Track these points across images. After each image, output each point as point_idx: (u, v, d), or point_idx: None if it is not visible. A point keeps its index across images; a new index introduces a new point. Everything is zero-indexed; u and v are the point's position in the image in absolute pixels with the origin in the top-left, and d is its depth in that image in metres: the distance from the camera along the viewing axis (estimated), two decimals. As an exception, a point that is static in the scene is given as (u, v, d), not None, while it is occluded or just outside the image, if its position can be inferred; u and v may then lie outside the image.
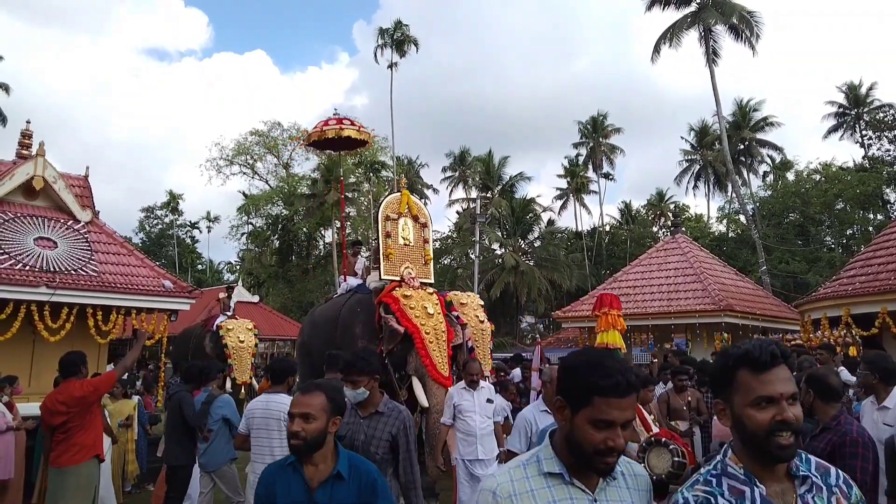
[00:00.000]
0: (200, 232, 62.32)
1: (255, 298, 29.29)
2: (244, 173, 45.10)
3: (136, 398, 9.30)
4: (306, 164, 44.99)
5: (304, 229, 41.05)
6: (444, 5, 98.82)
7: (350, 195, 40.32)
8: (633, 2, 64.03)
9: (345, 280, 11.37)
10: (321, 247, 43.71)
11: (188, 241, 61.41)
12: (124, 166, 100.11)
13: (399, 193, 10.16)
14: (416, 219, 10.17)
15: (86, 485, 5.66)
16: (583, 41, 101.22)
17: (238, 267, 51.53)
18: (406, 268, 9.72)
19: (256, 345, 15.36)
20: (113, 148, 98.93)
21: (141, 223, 59.32)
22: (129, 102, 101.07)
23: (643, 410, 5.91)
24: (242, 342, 14.61)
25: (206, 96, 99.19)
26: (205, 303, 26.66)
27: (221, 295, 18.43)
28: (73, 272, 10.39)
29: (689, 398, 8.19)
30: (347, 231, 44.12)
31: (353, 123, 12.29)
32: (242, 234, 46.46)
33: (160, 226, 59.67)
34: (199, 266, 61.63)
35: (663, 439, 4.31)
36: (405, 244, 9.89)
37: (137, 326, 11.24)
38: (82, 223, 11.35)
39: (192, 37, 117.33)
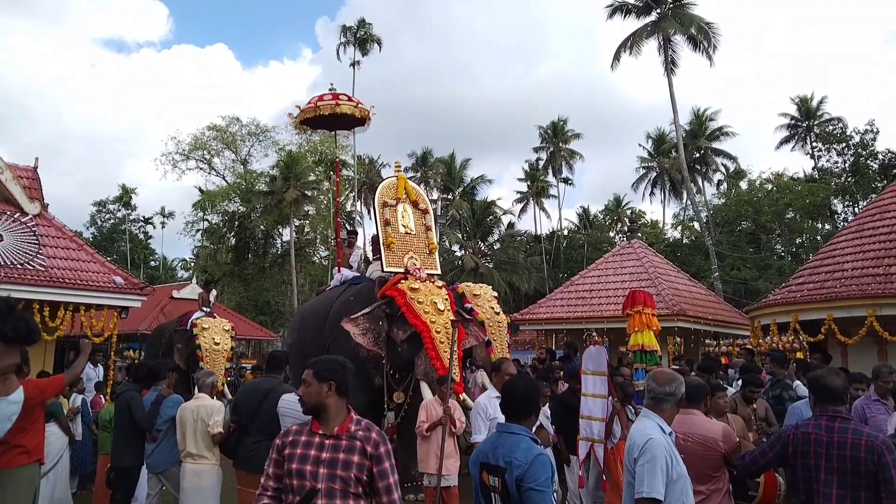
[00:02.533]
0: (154, 227, 61.05)
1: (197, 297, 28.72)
2: (200, 169, 44.35)
3: (80, 397, 9.01)
4: (265, 161, 44.45)
5: (262, 227, 40.48)
6: (411, 5, 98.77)
7: (309, 193, 39.92)
8: (598, 9, 64.90)
9: (338, 272, 10.55)
10: (278, 245, 43.20)
11: (141, 236, 60.08)
12: (81, 159, 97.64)
13: (394, 178, 9.41)
14: (415, 204, 9.42)
15: (26, 488, 5.46)
16: (548, 47, 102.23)
17: (192, 264, 50.60)
18: (410, 258, 8.95)
19: (233, 348, 13.90)
20: (70, 140, 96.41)
21: (92, 217, 57.82)
22: (86, 94, 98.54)
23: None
24: (217, 344, 13.17)
25: (165, 89, 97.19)
26: (157, 300, 26.12)
27: (199, 290, 16.61)
28: (19, 266, 10.10)
29: (757, 407, 7.25)
30: (306, 230, 43.75)
31: (350, 99, 11.07)
32: (198, 230, 45.62)
33: (112, 220, 58.25)
34: (153, 263, 60.34)
35: None
36: (406, 232, 9.11)
37: (86, 323, 10.97)
38: (30, 216, 11.05)
39: (151, 29, 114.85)
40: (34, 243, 10.66)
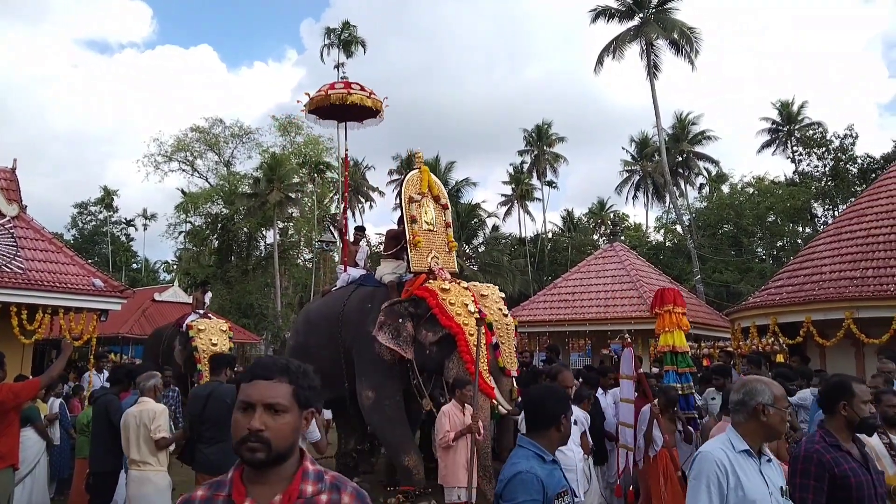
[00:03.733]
0: (136, 230, 60.63)
1: (191, 299, 28.55)
2: (183, 170, 44.12)
3: (58, 401, 8.90)
4: (248, 163, 44.31)
5: (245, 229, 40.29)
6: (397, 8, 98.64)
7: (293, 196, 39.77)
8: (582, 14, 65.22)
9: (345, 270, 10.09)
10: (262, 247, 42.99)
11: (123, 239, 59.59)
12: (63, 160, 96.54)
13: (418, 171, 8.91)
14: (436, 199, 8.98)
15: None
16: (533, 50, 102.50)
17: (175, 267, 50.22)
18: (433, 257, 8.53)
19: (231, 349, 13.38)
20: (52, 141, 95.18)
21: (74, 219, 57.30)
22: (68, 95, 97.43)
23: None
24: (215, 345, 12.70)
25: (148, 91, 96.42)
26: (138, 303, 25.92)
27: (196, 292, 16.06)
28: (-5, 269, 9.97)
29: None
30: (290, 233, 43.57)
31: (363, 88, 10.38)
32: (180, 232, 45.35)
33: (94, 222, 57.72)
34: (135, 265, 59.87)
35: None
36: (429, 229, 8.67)
37: (65, 326, 10.86)
38: (8, 217, 10.93)
39: (135, 29, 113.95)
40: (12, 245, 10.55)
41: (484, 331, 7.45)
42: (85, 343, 11.84)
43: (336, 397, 9.19)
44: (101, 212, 57.62)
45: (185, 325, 13.42)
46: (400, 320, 7.87)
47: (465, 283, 8.31)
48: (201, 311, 14.09)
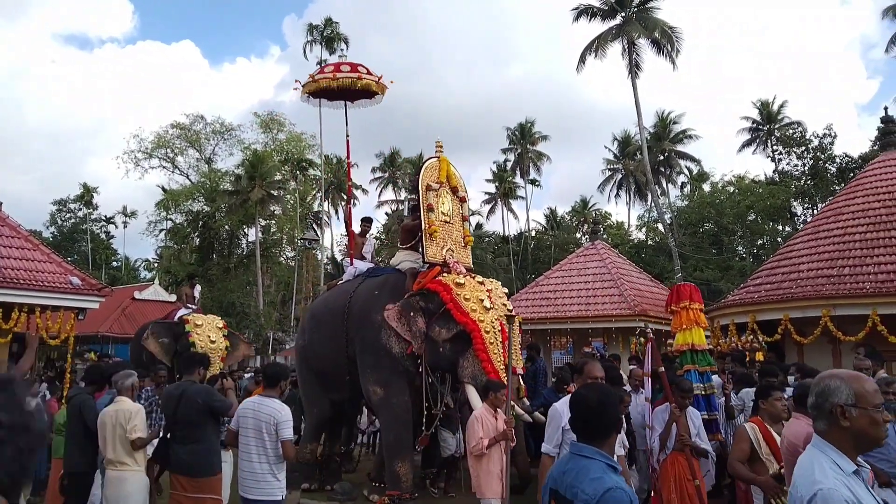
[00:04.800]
0: (116, 227, 60.14)
1: (173, 298, 28.27)
2: (164, 167, 43.69)
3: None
4: (230, 160, 43.97)
5: (226, 227, 40.00)
6: (381, 5, 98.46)
7: (275, 193, 39.54)
8: (565, 12, 65.19)
9: (351, 264, 9.65)
10: (244, 245, 42.71)
11: (103, 236, 59.01)
12: (41, 157, 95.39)
13: (437, 159, 8.53)
14: (454, 191, 8.58)
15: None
16: (516, 48, 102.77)
17: (156, 265, 49.81)
18: (448, 249, 8.17)
19: (227, 348, 12.91)
20: (30, 137, 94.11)
21: (52, 216, 56.70)
22: (47, 90, 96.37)
23: (773, 434, 4.83)
24: (213, 342, 12.22)
25: (129, 86, 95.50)
26: (118, 301, 25.66)
27: (184, 287, 15.33)
28: (-31, 267, 9.81)
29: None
30: (272, 230, 43.31)
31: (369, 72, 9.96)
32: (161, 230, 44.94)
33: (73, 220, 57.11)
34: (115, 263, 59.36)
35: None
36: (445, 221, 8.27)
37: (41, 324, 10.71)
38: (-19, 215, 10.74)
39: (115, 24, 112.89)
40: (-14, 243, 10.38)
41: (500, 327, 7.36)
42: (63, 341, 11.68)
43: (348, 398, 8.84)
44: (80, 209, 57.11)
45: (177, 318, 12.74)
46: (412, 314, 7.50)
47: (479, 278, 7.93)
48: (193, 306, 13.43)
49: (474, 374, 7.02)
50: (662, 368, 6.52)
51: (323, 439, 9.46)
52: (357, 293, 8.48)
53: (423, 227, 8.03)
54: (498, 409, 6.11)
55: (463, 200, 8.70)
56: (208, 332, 12.39)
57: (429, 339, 7.41)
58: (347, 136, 10.73)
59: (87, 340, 25.03)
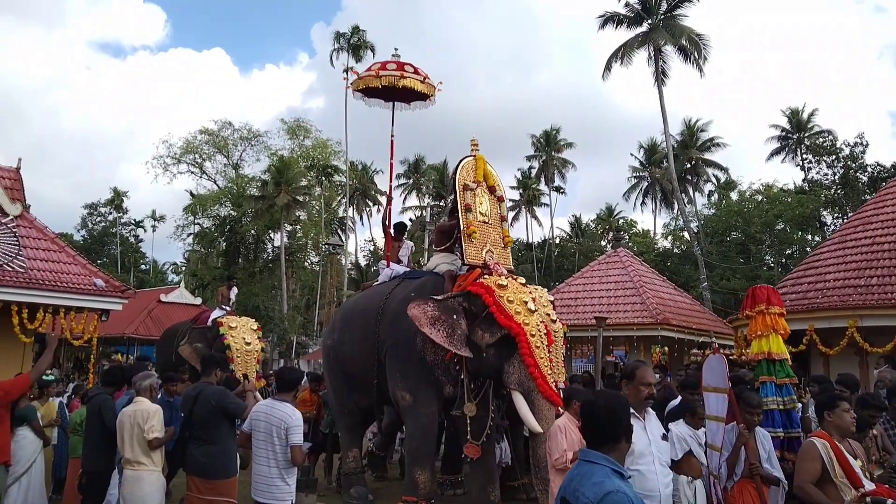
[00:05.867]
0: (145, 231, 60.98)
1: (198, 301, 28.64)
2: (192, 172, 44.24)
3: (57, 400, 8.92)
4: (256, 166, 44.40)
5: (252, 232, 40.42)
6: (408, 13, 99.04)
7: (301, 199, 39.86)
8: (591, 19, 65.07)
9: (388, 266, 9.37)
10: (269, 250, 43.09)
11: (132, 240, 59.93)
12: (74, 162, 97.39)
13: (473, 158, 8.23)
14: (492, 190, 8.28)
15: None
16: (542, 56, 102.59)
17: (183, 268, 50.44)
18: (487, 251, 7.84)
19: (263, 349, 12.69)
20: (65, 143, 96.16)
21: (83, 220, 57.70)
22: (81, 97, 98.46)
23: (845, 453, 4.30)
24: (249, 344, 11.95)
25: (161, 93, 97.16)
26: (144, 303, 26.02)
27: (221, 287, 14.97)
28: (-3, 267, 10.03)
29: (876, 434, 5.67)
30: (297, 235, 43.64)
31: (416, 71, 9.55)
32: (188, 234, 45.53)
33: (103, 223, 58.09)
34: (143, 266, 60.20)
35: (888, 501, 3.54)
36: (483, 221, 7.95)
37: (65, 325, 10.91)
38: (10, 217, 10.98)
39: (148, 33, 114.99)
40: (14, 244, 10.60)
41: (546, 331, 7.07)
42: (86, 342, 11.87)
43: (367, 405, 8.67)
44: (110, 213, 58.05)
45: (211, 321, 12.55)
46: (454, 317, 7.09)
47: (522, 279, 7.65)
48: (227, 308, 13.18)
49: (520, 380, 6.72)
50: (730, 384, 5.64)
51: (384, 443, 9.47)
52: (392, 295, 8.21)
53: (461, 228, 7.71)
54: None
55: (501, 200, 8.43)
56: (243, 334, 12.12)
57: (471, 345, 7.08)
58: (392, 136, 10.43)
59: (113, 342, 25.41)
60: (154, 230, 60.76)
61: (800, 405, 7.14)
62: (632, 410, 4.02)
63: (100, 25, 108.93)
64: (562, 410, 6.08)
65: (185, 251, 48.90)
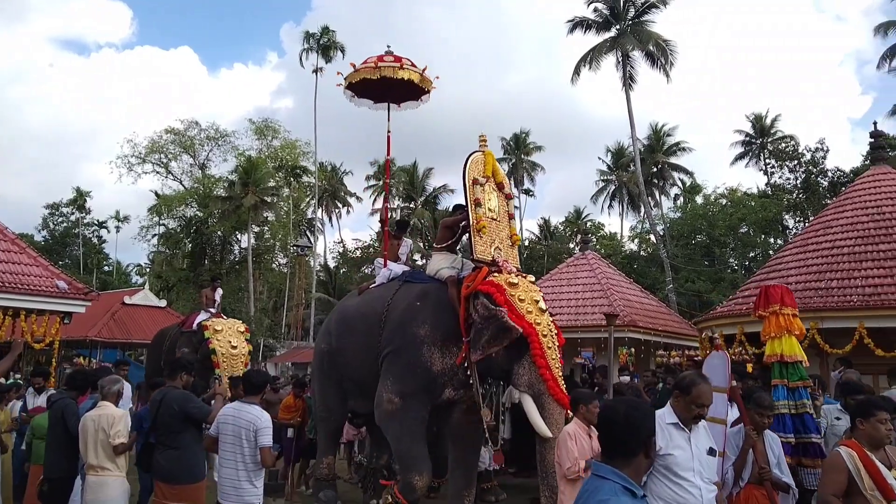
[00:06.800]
0: (108, 232, 59.85)
1: (163, 303, 28.19)
2: (157, 172, 43.61)
3: (19, 404, 8.70)
4: (224, 166, 43.89)
5: (219, 233, 39.94)
6: (378, 14, 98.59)
7: (268, 200, 39.51)
8: (561, 24, 65.68)
9: (385, 266, 9.05)
10: (236, 251, 42.63)
11: (95, 241, 58.78)
12: (36, 160, 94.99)
13: (482, 153, 8.00)
14: (500, 187, 8.05)
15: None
16: (513, 60, 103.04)
17: (147, 270, 49.64)
18: (496, 248, 7.61)
19: (250, 352, 12.31)
20: (26, 141, 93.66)
21: (45, 220, 56.41)
22: (43, 94, 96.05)
23: (877, 463, 4.01)
24: (235, 348, 11.51)
25: (126, 91, 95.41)
26: (108, 306, 25.52)
27: (205, 289, 14.20)
28: (-47, 269, 9.77)
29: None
30: (265, 237, 43.25)
31: (413, 65, 9.16)
32: (153, 235, 44.89)
33: (65, 224, 56.89)
34: (106, 267, 59.10)
35: None
36: (492, 218, 7.73)
37: (26, 328, 10.66)
38: (-31, 217, 10.68)
39: (113, 30, 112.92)
40: (-27, 246, 10.34)
41: (557, 331, 6.83)
42: (48, 345, 11.61)
43: (367, 411, 8.26)
44: (73, 213, 56.86)
45: (196, 325, 12.07)
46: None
47: (531, 278, 7.42)
48: (213, 310, 12.67)
49: (531, 382, 6.46)
50: (735, 382, 5.43)
51: (373, 452, 8.92)
52: (395, 301, 7.87)
53: (471, 223, 7.45)
54: (592, 426, 5.32)
55: (509, 198, 8.17)
56: (229, 337, 11.69)
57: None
58: (389, 132, 10.02)
59: (75, 345, 24.87)
60: (118, 231, 59.76)
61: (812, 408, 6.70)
62: (676, 421, 3.93)
63: (63, 22, 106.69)
64: (569, 414, 5.91)
65: (150, 252, 48.23)
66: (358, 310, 8.47)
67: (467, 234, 7.76)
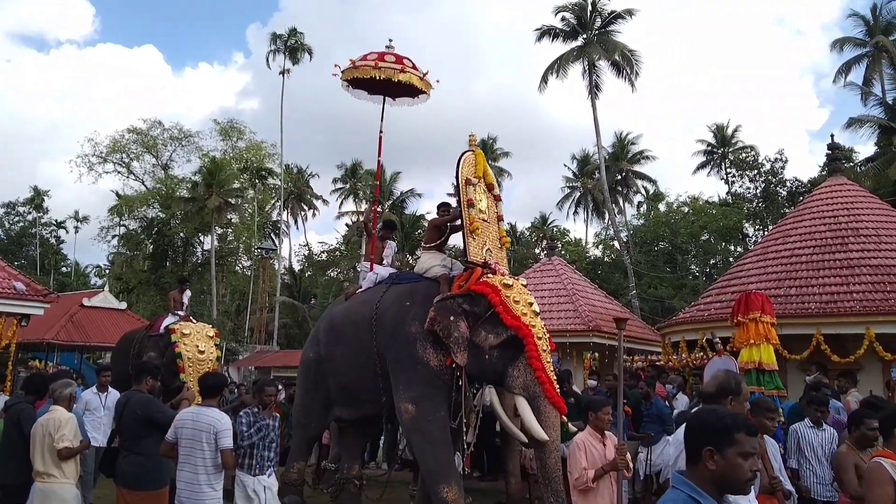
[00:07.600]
0: (67, 232, 58.57)
1: (123, 305, 27.61)
2: (119, 172, 42.76)
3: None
4: (187, 167, 43.24)
5: (181, 234, 39.31)
6: (346, 16, 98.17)
7: (233, 201, 39.02)
8: (529, 32, 66.08)
9: (371, 269, 8.79)
10: (199, 253, 42.00)
11: (52, 241, 57.43)
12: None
13: (472, 153, 7.87)
14: (489, 188, 7.95)
15: None
16: (482, 65, 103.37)
17: (107, 271, 48.64)
18: (487, 250, 7.48)
19: (219, 358, 11.83)
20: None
21: (0, 219, 54.93)
22: (1, 90, 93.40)
23: None
24: (202, 353, 11.14)
25: (87, 89, 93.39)
26: (66, 308, 24.93)
27: (172, 291, 13.53)
28: None
29: None
30: (229, 239, 42.71)
31: (415, 67, 8.95)
32: (113, 236, 44.00)
33: (22, 223, 55.47)
34: (64, 268, 57.78)
35: None
36: (483, 219, 7.60)
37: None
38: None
39: (75, 26, 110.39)
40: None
41: (549, 335, 6.81)
42: (4, 348, 11.30)
43: (369, 414, 8.19)
44: (30, 212, 55.52)
45: (163, 328, 11.62)
46: (452, 318, 6.69)
47: (523, 281, 7.30)
48: (181, 313, 12.30)
49: (526, 384, 6.38)
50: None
51: (344, 462, 8.71)
52: (383, 303, 7.73)
53: (464, 224, 7.32)
54: (605, 433, 5.27)
55: (498, 199, 8.10)
56: (197, 341, 11.24)
57: (473, 347, 6.71)
58: (381, 132, 9.77)
59: (31, 348, 24.22)
60: (77, 231, 58.57)
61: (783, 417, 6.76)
62: None
63: (21, 17, 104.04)
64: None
65: (110, 254, 47.34)
66: (346, 316, 8.29)
67: (456, 234, 7.74)
